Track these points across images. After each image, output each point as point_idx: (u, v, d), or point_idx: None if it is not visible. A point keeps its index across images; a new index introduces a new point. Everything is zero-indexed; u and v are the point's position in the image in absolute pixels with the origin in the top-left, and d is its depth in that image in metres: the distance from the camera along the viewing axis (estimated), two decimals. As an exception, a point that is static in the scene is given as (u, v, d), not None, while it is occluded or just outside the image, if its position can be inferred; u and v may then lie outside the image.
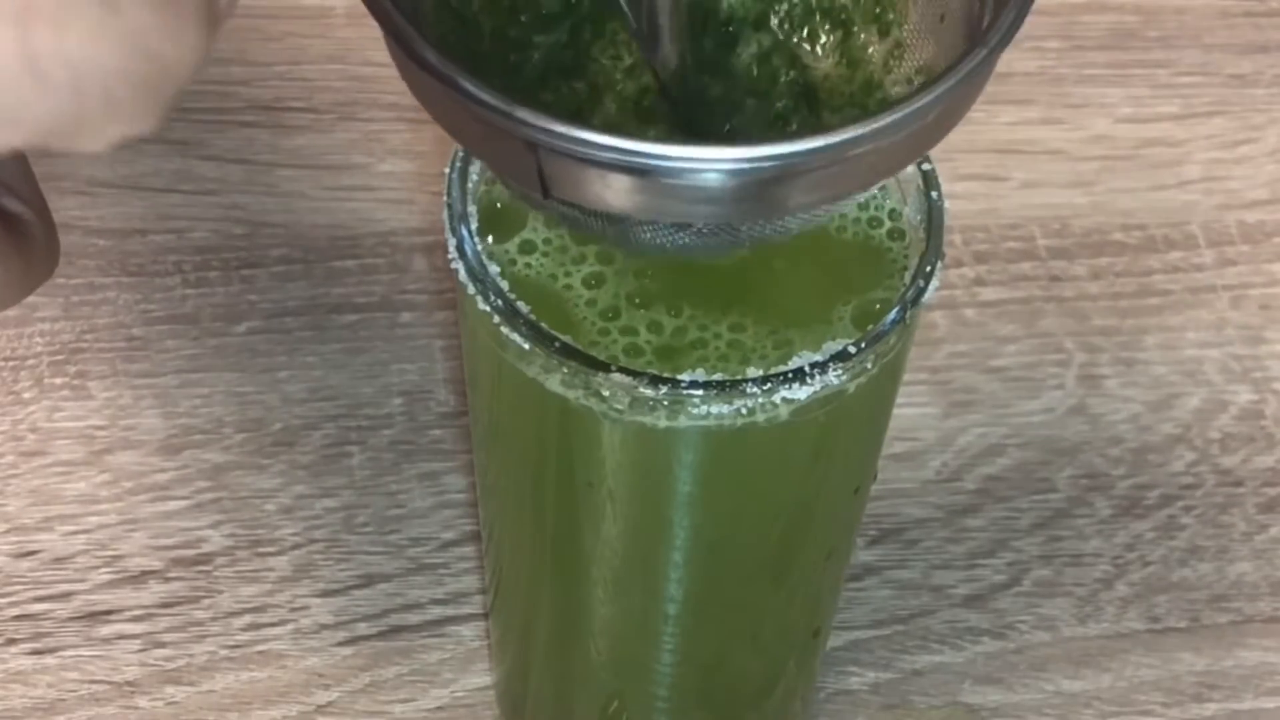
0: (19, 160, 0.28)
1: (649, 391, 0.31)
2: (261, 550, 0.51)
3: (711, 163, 0.25)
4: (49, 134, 0.22)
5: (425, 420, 0.53)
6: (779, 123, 0.31)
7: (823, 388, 0.31)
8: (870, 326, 0.32)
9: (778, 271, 0.34)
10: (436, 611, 0.50)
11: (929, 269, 0.33)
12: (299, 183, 0.58)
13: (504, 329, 0.31)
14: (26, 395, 0.53)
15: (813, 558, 0.39)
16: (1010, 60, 0.63)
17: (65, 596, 0.50)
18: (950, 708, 0.49)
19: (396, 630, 0.50)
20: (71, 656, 0.48)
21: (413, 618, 0.50)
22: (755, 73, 0.31)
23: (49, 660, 0.48)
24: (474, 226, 0.33)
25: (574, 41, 0.31)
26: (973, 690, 0.49)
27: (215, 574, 0.50)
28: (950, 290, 0.57)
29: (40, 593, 0.50)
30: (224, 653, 0.49)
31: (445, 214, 0.33)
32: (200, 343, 0.55)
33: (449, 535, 0.51)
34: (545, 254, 0.34)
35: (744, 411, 0.31)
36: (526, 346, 0.31)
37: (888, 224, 0.35)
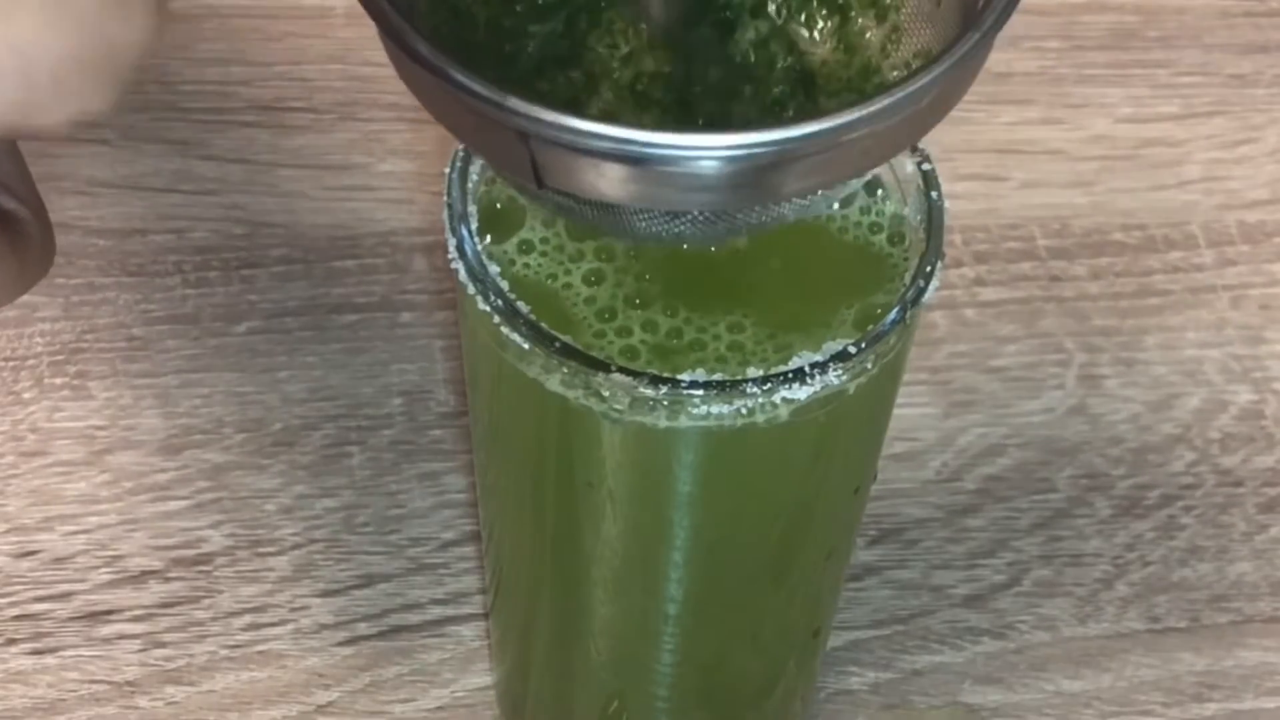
0: (14, 158, 0.28)
1: (649, 391, 0.31)
2: (261, 550, 0.51)
3: (704, 149, 0.24)
4: None
5: (425, 420, 0.53)
6: (776, 109, 0.31)
7: (823, 388, 0.31)
8: (870, 327, 0.32)
9: (777, 271, 0.34)
10: (436, 611, 0.50)
11: (929, 269, 0.32)
12: (299, 183, 0.58)
13: (504, 329, 0.31)
14: (26, 395, 0.53)
15: (813, 558, 0.39)
16: (1010, 60, 0.63)
17: (65, 596, 0.50)
18: (950, 708, 0.49)
19: (396, 630, 0.50)
20: (72, 656, 0.48)
21: (413, 618, 0.50)
22: (752, 59, 0.31)
23: (49, 660, 0.48)
24: (474, 226, 0.33)
25: (570, 30, 0.31)
26: (973, 690, 0.49)
27: (215, 574, 0.50)
28: (950, 290, 0.57)
29: (40, 593, 0.50)
30: (224, 653, 0.49)
31: (445, 214, 0.33)
32: (200, 343, 0.55)
33: (449, 535, 0.51)
34: (544, 253, 0.34)
35: (744, 412, 0.31)
36: (526, 346, 0.31)
37: (888, 225, 0.35)
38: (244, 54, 0.61)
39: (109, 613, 0.49)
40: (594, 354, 0.32)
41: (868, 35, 0.32)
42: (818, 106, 0.31)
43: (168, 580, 0.50)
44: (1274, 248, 0.59)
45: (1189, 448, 0.54)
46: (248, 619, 0.49)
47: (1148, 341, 0.56)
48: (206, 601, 0.50)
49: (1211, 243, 0.59)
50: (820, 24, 0.32)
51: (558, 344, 0.31)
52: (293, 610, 0.50)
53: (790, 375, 0.31)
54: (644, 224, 0.28)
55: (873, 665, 0.50)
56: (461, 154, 0.33)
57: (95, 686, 0.48)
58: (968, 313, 0.57)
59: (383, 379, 0.54)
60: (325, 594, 0.50)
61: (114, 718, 0.47)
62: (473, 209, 0.33)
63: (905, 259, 0.34)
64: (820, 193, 0.28)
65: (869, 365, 0.32)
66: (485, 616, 0.50)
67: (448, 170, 0.33)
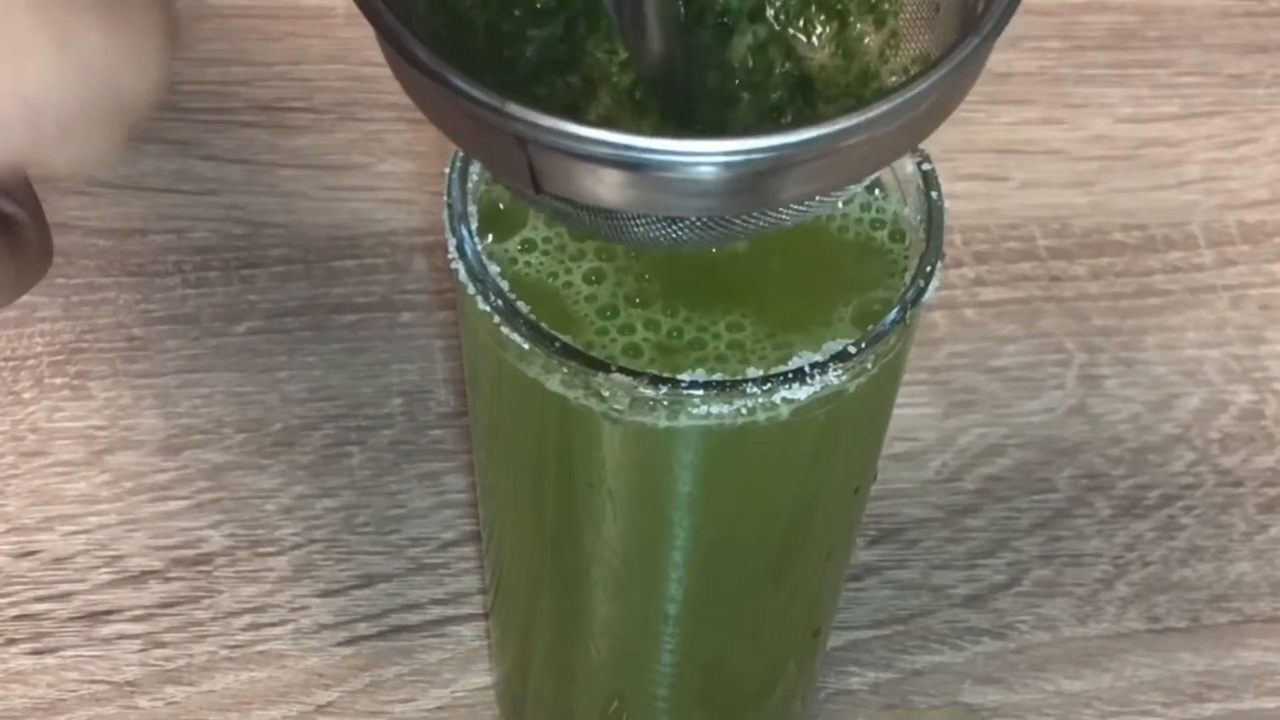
0: None
1: (649, 391, 0.31)
2: (261, 550, 0.51)
3: (701, 155, 0.24)
4: (2, 164, 0.22)
5: (425, 420, 0.53)
6: (774, 114, 0.31)
7: (823, 388, 0.31)
8: (870, 327, 0.32)
9: (777, 271, 0.34)
10: (436, 611, 0.50)
11: (929, 269, 0.32)
12: (299, 183, 0.58)
13: (504, 329, 0.31)
14: (26, 395, 0.53)
15: (813, 558, 0.39)
16: (1010, 60, 0.63)
17: (65, 596, 0.50)
18: (950, 708, 0.49)
19: (396, 630, 0.50)
20: (72, 656, 0.48)
21: (413, 618, 0.50)
22: (751, 64, 0.31)
23: (49, 660, 0.48)
24: (474, 226, 0.33)
25: (568, 36, 0.31)
26: (973, 690, 0.49)
27: (215, 574, 0.50)
28: (950, 290, 0.57)
29: (40, 593, 0.50)
30: (224, 653, 0.49)
31: (445, 214, 0.33)
32: (200, 343, 0.55)
33: (449, 535, 0.51)
34: (545, 253, 0.34)
35: (744, 411, 0.31)
36: (526, 346, 0.31)
37: (888, 224, 0.35)
38: (244, 54, 0.61)
39: (109, 613, 0.49)
40: (596, 352, 0.32)
41: (866, 40, 0.32)
42: (816, 112, 0.31)
43: (168, 580, 0.50)
44: (1274, 248, 0.59)
45: (1189, 448, 0.54)
46: (248, 619, 0.49)
47: (1148, 341, 0.56)
48: (206, 601, 0.50)
49: (1211, 243, 0.59)
50: (819, 29, 0.32)
51: (558, 344, 0.31)
52: (293, 610, 0.50)
53: (790, 375, 0.31)
54: (642, 229, 0.28)
55: (873, 665, 0.50)
56: (461, 154, 0.33)
57: (95, 686, 0.48)
58: (968, 313, 0.57)
59: (383, 379, 0.54)
60: (325, 594, 0.50)
61: (114, 718, 0.47)
62: (473, 209, 0.33)
63: (906, 256, 0.34)
64: (818, 198, 0.28)
65: (869, 365, 0.32)
66: (485, 616, 0.50)
67: (448, 170, 0.33)
